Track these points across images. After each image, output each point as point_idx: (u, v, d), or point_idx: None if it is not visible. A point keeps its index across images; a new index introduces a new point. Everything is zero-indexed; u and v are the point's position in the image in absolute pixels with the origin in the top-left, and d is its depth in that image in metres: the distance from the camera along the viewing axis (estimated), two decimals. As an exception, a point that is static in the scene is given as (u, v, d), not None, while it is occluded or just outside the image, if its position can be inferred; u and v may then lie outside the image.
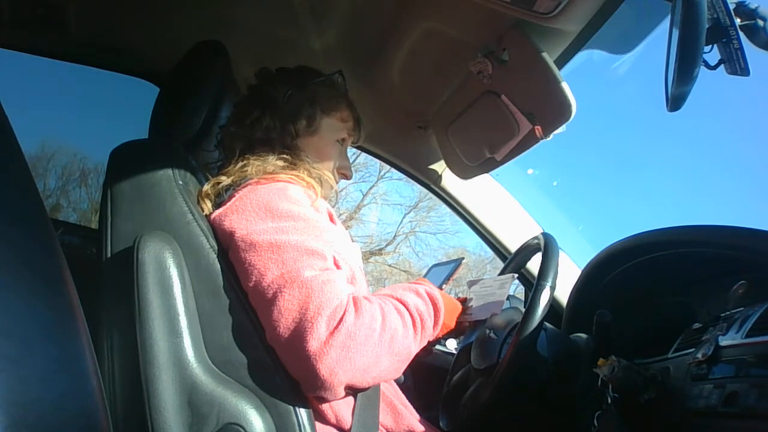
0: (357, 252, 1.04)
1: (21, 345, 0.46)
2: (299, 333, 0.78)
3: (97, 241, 0.92)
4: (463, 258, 1.42)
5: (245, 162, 0.99)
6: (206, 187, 0.97)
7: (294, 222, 0.86)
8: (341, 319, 0.79)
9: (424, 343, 0.95)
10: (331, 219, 0.98)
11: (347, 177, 1.16)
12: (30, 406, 0.45)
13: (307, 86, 1.09)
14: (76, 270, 0.56)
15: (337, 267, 0.88)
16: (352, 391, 0.86)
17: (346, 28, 1.28)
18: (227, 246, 0.88)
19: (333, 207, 1.05)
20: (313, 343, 0.77)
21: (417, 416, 0.99)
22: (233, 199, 0.91)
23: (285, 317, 0.80)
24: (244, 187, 0.93)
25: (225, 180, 0.97)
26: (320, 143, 1.09)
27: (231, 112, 1.10)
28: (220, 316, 0.85)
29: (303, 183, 0.95)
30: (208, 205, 0.95)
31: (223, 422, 0.79)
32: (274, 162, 1.00)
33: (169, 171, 0.92)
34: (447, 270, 1.27)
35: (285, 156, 1.01)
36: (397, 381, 1.04)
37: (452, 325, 1.02)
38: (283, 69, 1.15)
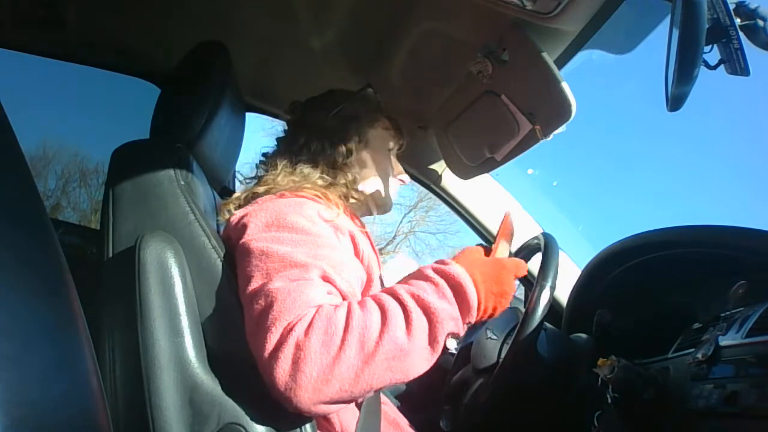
0: (375, 264, 1.01)
1: (21, 345, 0.46)
2: (257, 344, 0.76)
3: (98, 241, 0.92)
4: None
5: (283, 177, 1.02)
6: (238, 194, 1.01)
7: (293, 234, 0.85)
8: (291, 330, 0.74)
9: (451, 323, 0.79)
10: (353, 240, 0.96)
11: (405, 182, 1.21)
12: (30, 406, 0.44)
13: (345, 106, 1.12)
14: (77, 270, 0.56)
15: (331, 284, 0.82)
16: (337, 400, 0.76)
17: (346, 28, 1.28)
18: (234, 247, 0.88)
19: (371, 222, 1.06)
20: (265, 355, 0.74)
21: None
22: (254, 205, 0.93)
23: (248, 325, 0.79)
24: (268, 195, 0.96)
25: (259, 190, 1.00)
26: (375, 156, 1.14)
27: (275, 148, 1.14)
28: (221, 315, 0.85)
29: (324, 201, 0.96)
30: (231, 209, 0.97)
31: (223, 422, 0.78)
32: (313, 180, 1.03)
33: (171, 171, 0.92)
34: None
35: (325, 176, 1.05)
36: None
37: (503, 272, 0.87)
38: (313, 97, 1.18)
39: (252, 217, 0.89)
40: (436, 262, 0.86)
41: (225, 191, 1.34)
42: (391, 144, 1.18)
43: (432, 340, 0.78)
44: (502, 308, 0.86)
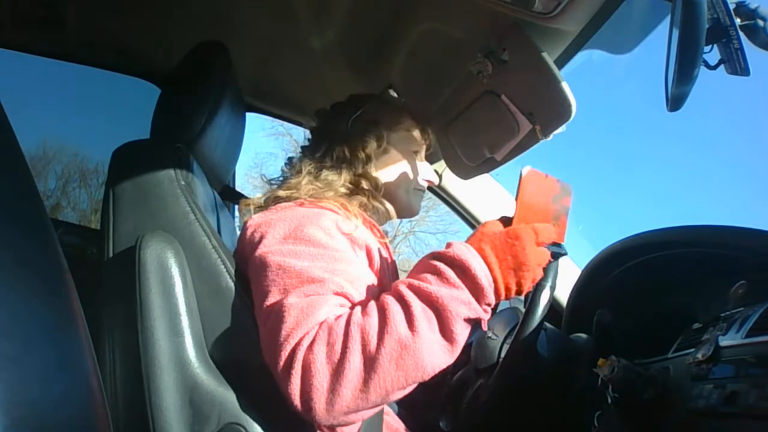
0: (391, 276, 1.00)
1: (21, 345, 0.46)
2: (271, 361, 0.76)
3: (98, 241, 0.92)
4: None
5: (307, 183, 1.02)
6: (258, 196, 1.01)
7: (311, 248, 0.84)
8: (298, 346, 0.74)
9: (462, 308, 0.74)
10: (369, 253, 0.94)
11: (433, 183, 1.19)
12: (30, 406, 0.44)
13: (363, 110, 1.11)
14: (77, 270, 0.56)
15: (347, 299, 0.81)
16: (356, 408, 0.74)
17: (346, 28, 1.28)
18: (247, 255, 0.88)
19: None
20: (279, 372, 0.75)
21: None
22: (272, 212, 0.92)
23: (263, 340, 0.79)
24: (288, 202, 0.95)
25: (280, 193, 1.00)
26: (398, 159, 1.12)
27: (300, 154, 1.13)
28: (221, 316, 0.85)
29: (343, 212, 0.95)
30: (251, 209, 0.98)
31: (224, 422, 0.79)
32: (335, 188, 1.02)
33: (171, 171, 0.92)
34: None
35: (348, 185, 1.04)
36: None
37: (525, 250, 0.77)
38: (338, 103, 1.18)
39: (270, 228, 0.88)
40: (446, 246, 0.80)
41: (225, 191, 1.34)
42: (416, 146, 1.16)
43: (444, 330, 0.74)
44: (528, 281, 0.77)
